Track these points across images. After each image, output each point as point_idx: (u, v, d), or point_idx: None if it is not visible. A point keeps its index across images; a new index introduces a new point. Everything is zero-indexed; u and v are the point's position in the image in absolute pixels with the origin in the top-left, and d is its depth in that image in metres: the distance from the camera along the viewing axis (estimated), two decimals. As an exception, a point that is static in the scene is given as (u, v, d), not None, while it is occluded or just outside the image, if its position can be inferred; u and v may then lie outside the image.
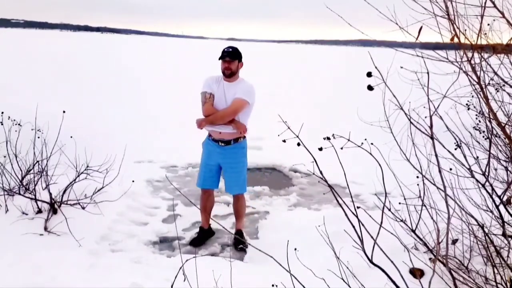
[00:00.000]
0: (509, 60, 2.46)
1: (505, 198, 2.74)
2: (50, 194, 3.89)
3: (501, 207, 2.72)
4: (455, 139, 2.84)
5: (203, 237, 4.07)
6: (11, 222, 3.70)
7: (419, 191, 2.77)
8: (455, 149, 2.81)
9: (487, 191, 2.64)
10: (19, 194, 4.04)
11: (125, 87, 13.24)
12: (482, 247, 2.91)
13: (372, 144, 2.23)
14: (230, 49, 3.82)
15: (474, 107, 3.46)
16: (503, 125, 2.31)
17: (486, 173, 2.68)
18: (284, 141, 1.99)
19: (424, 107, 2.31)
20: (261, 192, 5.38)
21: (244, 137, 4.02)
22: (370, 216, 2.29)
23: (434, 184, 2.52)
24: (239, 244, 3.93)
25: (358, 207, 2.05)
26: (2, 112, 4.23)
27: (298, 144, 1.91)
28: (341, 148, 2.12)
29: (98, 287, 2.96)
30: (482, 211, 2.90)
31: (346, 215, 1.99)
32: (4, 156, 4.21)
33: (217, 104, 3.84)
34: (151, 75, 17.43)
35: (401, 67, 2.34)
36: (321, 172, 2.05)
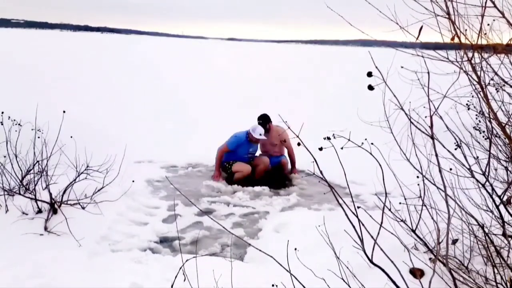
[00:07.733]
0: (509, 60, 2.46)
1: (505, 198, 2.74)
2: (50, 194, 3.88)
3: (501, 207, 2.72)
4: (455, 139, 2.83)
5: None
6: (11, 222, 3.70)
7: (419, 191, 2.76)
8: (455, 149, 2.80)
9: (487, 191, 2.64)
10: (19, 194, 4.04)
11: (125, 87, 13.23)
12: (482, 247, 2.90)
13: (372, 144, 2.23)
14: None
15: (474, 107, 3.46)
16: (503, 125, 2.31)
17: (486, 173, 2.67)
18: (284, 141, 1.99)
19: (424, 107, 2.31)
20: (261, 192, 5.38)
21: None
22: (370, 216, 2.29)
23: (434, 184, 2.52)
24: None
25: (358, 207, 2.05)
26: (2, 112, 4.22)
27: (298, 144, 1.91)
28: (341, 148, 2.12)
29: (98, 287, 2.96)
30: (482, 211, 2.90)
31: (346, 215, 1.99)
32: (4, 156, 4.21)
33: None
34: (151, 75, 17.42)
35: (402, 67, 2.33)
36: (321, 172, 2.05)
